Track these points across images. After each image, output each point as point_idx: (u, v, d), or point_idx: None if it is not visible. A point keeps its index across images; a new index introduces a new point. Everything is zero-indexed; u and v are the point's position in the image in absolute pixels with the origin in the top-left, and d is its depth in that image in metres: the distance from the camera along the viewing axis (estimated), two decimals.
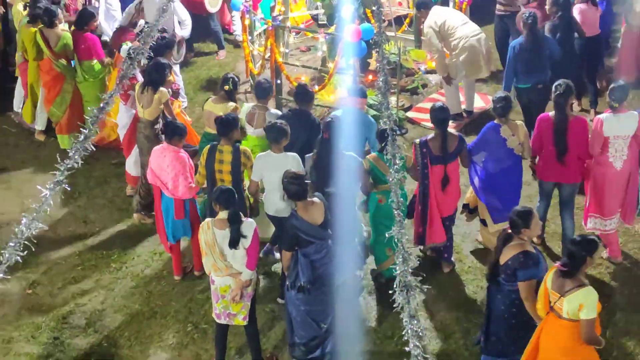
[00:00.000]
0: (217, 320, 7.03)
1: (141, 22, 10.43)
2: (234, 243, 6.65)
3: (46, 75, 10.40)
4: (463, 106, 11.06)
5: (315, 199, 6.88)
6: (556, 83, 7.96)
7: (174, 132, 7.96)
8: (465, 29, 10.50)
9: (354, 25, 10.10)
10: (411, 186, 8.26)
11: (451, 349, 7.35)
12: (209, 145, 7.90)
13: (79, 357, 7.48)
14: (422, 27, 12.20)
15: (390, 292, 5.02)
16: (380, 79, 6.39)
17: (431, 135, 7.92)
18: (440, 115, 7.88)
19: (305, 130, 8.22)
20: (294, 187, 6.78)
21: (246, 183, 7.95)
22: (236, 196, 6.86)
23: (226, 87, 8.67)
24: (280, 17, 11.43)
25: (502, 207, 7.98)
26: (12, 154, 10.79)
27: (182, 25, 11.24)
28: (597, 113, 10.09)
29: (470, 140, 8.40)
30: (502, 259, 6.38)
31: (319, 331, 6.99)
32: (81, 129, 6.12)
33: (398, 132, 5.91)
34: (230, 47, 13.46)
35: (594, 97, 10.89)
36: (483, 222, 8.37)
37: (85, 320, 7.89)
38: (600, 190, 8.05)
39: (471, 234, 8.75)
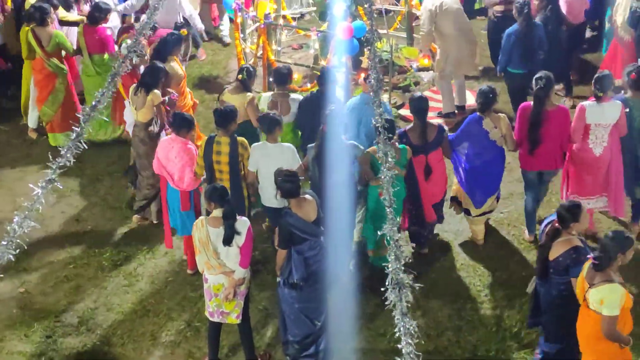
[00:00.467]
0: (210, 319, 7.04)
1: (143, 17, 10.38)
2: (228, 240, 6.65)
3: (38, 75, 10.33)
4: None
5: (307, 196, 6.89)
6: (537, 76, 8.06)
7: (182, 123, 7.97)
8: (451, 21, 10.54)
9: (346, 22, 10.11)
10: None
11: (443, 346, 7.37)
12: (206, 137, 7.94)
13: (72, 355, 7.48)
14: (413, 25, 12.27)
15: (382, 289, 5.02)
16: (373, 77, 6.40)
17: (410, 125, 7.98)
18: (418, 105, 7.96)
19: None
20: (287, 185, 6.79)
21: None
22: (229, 194, 6.88)
23: (239, 77, 8.67)
24: (272, 15, 11.45)
25: (483, 193, 8.23)
26: (4, 152, 10.75)
27: (190, 20, 11.25)
28: (573, 101, 10.57)
29: None
30: (552, 255, 6.41)
31: (313, 328, 7.00)
32: (73, 127, 6.11)
33: (388, 134, 5.95)
34: (219, 46, 13.43)
35: (569, 84, 11.08)
36: (467, 212, 8.46)
37: (78, 319, 7.89)
38: (579, 173, 8.26)
39: (464, 232, 8.78)
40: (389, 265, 5.04)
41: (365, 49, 10.86)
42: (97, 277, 8.43)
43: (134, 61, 8.78)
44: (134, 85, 8.77)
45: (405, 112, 11.08)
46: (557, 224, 6.46)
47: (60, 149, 5.68)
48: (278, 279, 7.02)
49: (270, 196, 7.57)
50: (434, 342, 7.40)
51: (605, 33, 11.14)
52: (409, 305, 4.98)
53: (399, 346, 4.80)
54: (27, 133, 10.95)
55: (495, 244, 8.63)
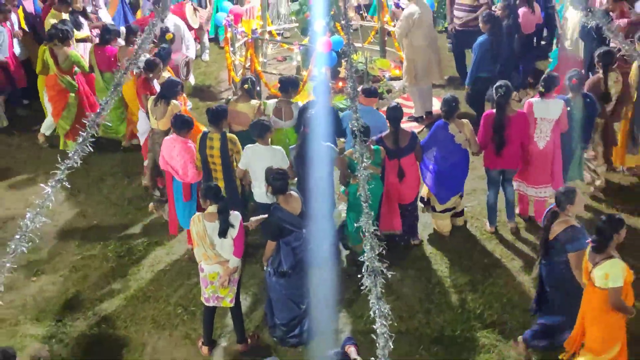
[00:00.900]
0: (206, 304, 7.05)
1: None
2: (223, 232, 6.67)
3: (51, 90, 10.24)
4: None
5: (293, 192, 6.94)
6: (497, 85, 8.14)
7: (182, 125, 7.97)
8: (424, 33, 10.58)
9: (325, 37, 10.14)
10: None
11: (414, 327, 7.40)
12: (201, 134, 7.96)
13: (79, 337, 7.47)
14: (386, 39, 12.31)
15: (359, 276, 5.05)
16: (349, 85, 6.45)
17: (386, 132, 8.03)
18: (392, 114, 8.02)
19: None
20: (278, 182, 6.83)
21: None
22: (222, 192, 6.90)
23: (245, 86, 8.67)
24: (259, 31, 11.47)
25: (448, 192, 8.33)
26: (16, 155, 10.71)
27: (188, 48, 11.26)
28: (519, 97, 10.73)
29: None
30: (552, 235, 6.53)
31: (299, 311, 7.07)
32: (80, 132, 6.10)
33: (364, 137, 6.00)
34: (215, 49, 13.49)
35: (519, 84, 11.11)
36: (433, 209, 8.53)
37: (85, 305, 7.88)
38: (525, 163, 8.40)
39: (431, 224, 8.81)
40: (365, 255, 5.08)
41: (343, 61, 10.93)
42: (103, 267, 8.42)
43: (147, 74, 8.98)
44: (153, 97, 8.73)
45: None
46: (555, 208, 6.59)
47: (68, 152, 5.68)
48: (267, 269, 7.05)
49: (261, 193, 7.61)
50: (406, 323, 7.43)
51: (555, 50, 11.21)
52: (383, 290, 5.02)
53: (374, 327, 4.85)
54: (37, 137, 10.90)
55: (460, 235, 8.67)
